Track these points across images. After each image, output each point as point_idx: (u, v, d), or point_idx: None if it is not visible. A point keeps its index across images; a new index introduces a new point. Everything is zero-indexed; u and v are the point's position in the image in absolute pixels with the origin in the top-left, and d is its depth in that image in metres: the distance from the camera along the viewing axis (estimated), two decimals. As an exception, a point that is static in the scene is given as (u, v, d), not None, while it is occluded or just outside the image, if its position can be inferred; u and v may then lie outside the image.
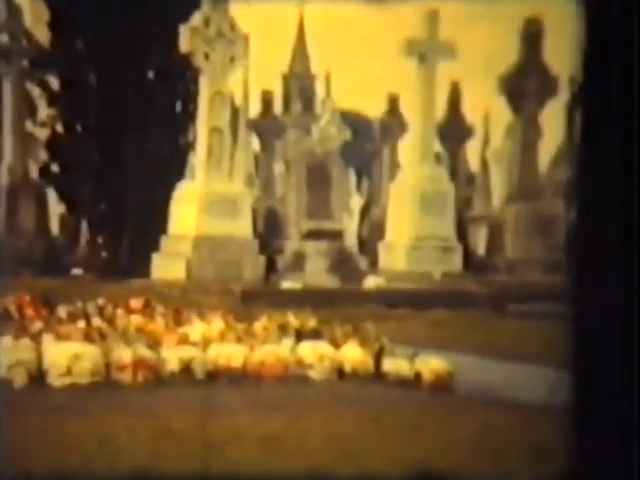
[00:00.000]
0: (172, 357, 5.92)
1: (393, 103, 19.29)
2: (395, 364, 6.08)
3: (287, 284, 11.59)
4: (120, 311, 7.20)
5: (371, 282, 12.26)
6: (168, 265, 12.03)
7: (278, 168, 19.78)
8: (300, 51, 32.66)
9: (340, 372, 6.07)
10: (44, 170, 15.81)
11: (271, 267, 12.49)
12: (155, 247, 12.49)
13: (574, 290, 2.71)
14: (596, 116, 2.68)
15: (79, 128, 15.50)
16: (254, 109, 20.20)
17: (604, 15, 2.67)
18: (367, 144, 20.64)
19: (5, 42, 15.19)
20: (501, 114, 16.03)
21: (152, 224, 13.46)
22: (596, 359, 2.67)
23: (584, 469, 2.68)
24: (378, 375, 6.06)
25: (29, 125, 15.86)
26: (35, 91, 15.88)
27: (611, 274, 2.68)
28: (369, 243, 16.30)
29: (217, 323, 6.64)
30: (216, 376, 5.87)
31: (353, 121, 18.38)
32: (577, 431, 2.68)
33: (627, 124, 2.67)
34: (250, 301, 9.35)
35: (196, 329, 6.51)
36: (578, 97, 2.73)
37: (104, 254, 15.14)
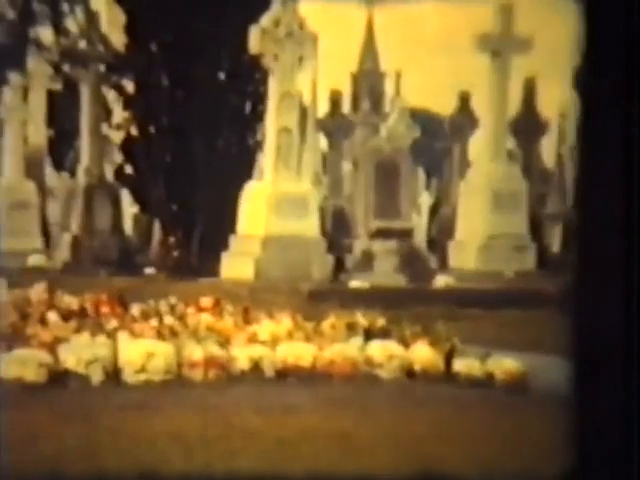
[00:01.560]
0: (242, 355, 5.98)
1: (464, 100, 19.17)
2: (466, 364, 6.06)
3: (355, 283, 11.60)
4: (191, 309, 7.28)
5: (441, 281, 12.23)
6: (237, 264, 12.13)
7: (346, 167, 19.80)
8: (369, 49, 32.63)
9: (410, 372, 6.07)
10: (119, 172, 16.05)
11: (339, 266, 12.51)
12: (224, 246, 12.59)
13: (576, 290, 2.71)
14: (597, 115, 2.67)
15: (152, 130, 15.68)
16: (322, 108, 20.27)
17: (604, 15, 2.66)
18: (437, 142, 20.54)
19: (83, 48, 15.47)
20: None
21: (221, 224, 13.58)
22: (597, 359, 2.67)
23: (584, 469, 2.67)
24: (449, 375, 6.05)
25: (105, 128, 16.12)
26: (111, 95, 16.12)
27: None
28: (439, 242, 16.24)
29: (285, 322, 6.69)
30: (285, 374, 5.92)
31: (423, 119, 18.33)
32: (577, 431, 2.67)
33: (628, 122, 2.66)
34: (318, 300, 9.39)
35: (265, 328, 6.57)
36: (578, 97, 2.72)
37: (175, 253, 15.30)
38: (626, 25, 2.64)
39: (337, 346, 6.10)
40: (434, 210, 19.68)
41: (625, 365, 2.67)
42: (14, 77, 17.23)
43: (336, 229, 15.58)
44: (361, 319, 6.68)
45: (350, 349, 6.07)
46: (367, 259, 12.97)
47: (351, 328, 6.48)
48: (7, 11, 33.41)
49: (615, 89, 2.67)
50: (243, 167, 15.22)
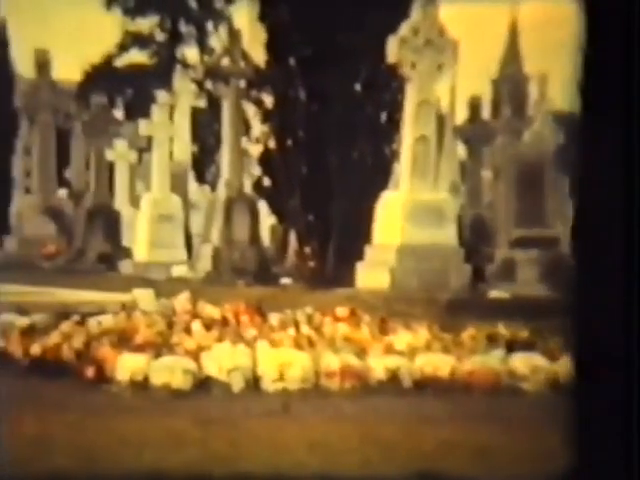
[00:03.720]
0: (379, 365, 5.99)
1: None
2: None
3: (495, 293, 11.45)
4: (327, 319, 7.33)
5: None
6: (373, 274, 12.14)
7: (486, 175, 19.62)
8: (512, 53, 32.20)
9: (556, 385, 5.96)
10: (257, 184, 16.32)
11: (478, 276, 12.38)
12: (360, 256, 12.63)
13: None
14: (597, 116, 2.59)
15: (289, 143, 15.87)
16: (461, 115, 20.10)
17: (604, 15, 2.58)
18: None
19: (226, 65, 15.83)
20: None
21: (357, 234, 13.62)
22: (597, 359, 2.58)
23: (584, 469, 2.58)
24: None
25: (244, 142, 16.43)
26: (250, 110, 16.44)
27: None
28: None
29: (423, 333, 6.67)
30: (423, 385, 5.90)
31: (569, 123, 18.01)
32: (577, 431, 2.59)
33: (628, 123, 2.57)
34: (456, 311, 9.31)
35: (402, 338, 6.57)
36: (578, 97, 2.65)
37: (311, 263, 15.43)
38: (626, 25, 2.57)
39: (477, 357, 6.04)
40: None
41: (625, 368, 2.59)
42: (161, 95, 17.72)
43: (475, 238, 15.44)
44: (503, 330, 6.59)
45: (491, 361, 5.99)
46: (508, 268, 12.79)
47: (492, 339, 6.40)
48: (157, 33, 34.43)
49: (615, 89, 2.60)
50: (379, 177, 15.25)
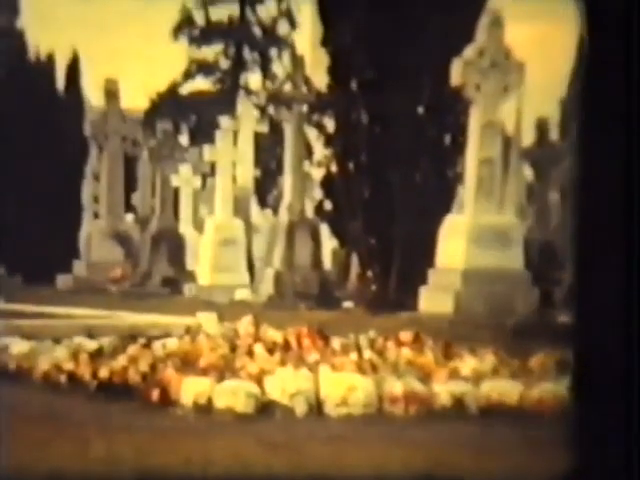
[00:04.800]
0: (443, 391, 5.92)
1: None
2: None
3: (564, 318, 11.28)
4: (390, 344, 7.28)
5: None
6: (436, 298, 12.05)
7: (553, 197, 19.42)
8: (580, 74, 31.95)
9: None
10: (318, 207, 16.34)
11: (546, 300, 12.24)
12: (423, 280, 12.55)
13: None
14: (597, 116, 2.53)
15: (351, 166, 15.89)
16: (528, 137, 19.93)
17: (604, 15, 2.52)
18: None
19: (288, 90, 15.94)
20: None
21: (420, 257, 13.55)
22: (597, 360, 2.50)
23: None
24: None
25: (306, 166, 16.49)
26: (312, 134, 16.51)
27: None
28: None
29: (489, 358, 6.59)
30: (490, 412, 5.82)
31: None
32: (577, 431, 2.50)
33: (628, 124, 2.50)
34: (524, 336, 9.20)
35: (467, 364, 6.49)
36: (579, 98, 2.59)
37: (373, 287, 15.38)
38: (626, 25, 2.52)
39: (546, 385, 5.93)
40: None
41: (625, 380, 2.51)
42: (225, 121, 17.88)
43: (542, 261, 15.27)
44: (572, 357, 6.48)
45: (562, 388, 5.88)
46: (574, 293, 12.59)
47: (561, 366, 6.29)
48: (221, 61, 34.86)
49: (615, 88, 2.54)
50: (442, 200, 15.17)
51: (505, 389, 5.89)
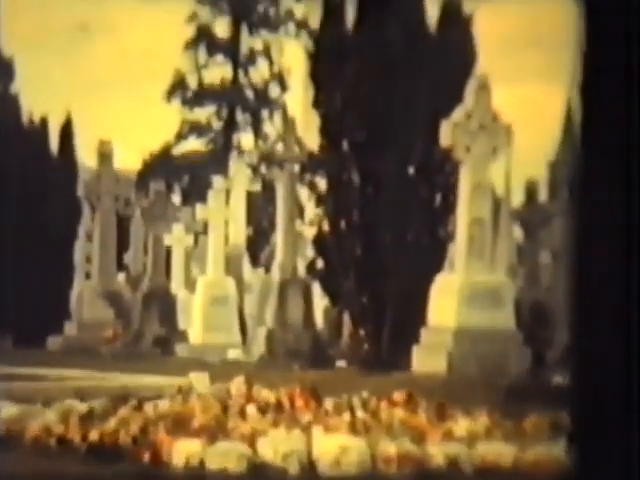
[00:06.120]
0: (437, 452, 5.90)
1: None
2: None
3: (558, 379, 11.23)
4: (383, 404, 7.26)
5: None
6: (429, 358, 12.03)
7: (543, 258, 19.49)
8: (568, 135, 32.22)
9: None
10: (310, 266, 16.37)
11: (539, 361, 12.21)
12: (415, 339, 12.54)
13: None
14: (596, 118, 2.56)
15: (343, 225, 15.96)
16: (517, 198, 20.05)
17: (604, 15, 2.56)
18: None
19: (280, 150, 16.07)
20: None
21: (412, 316, 13.55)
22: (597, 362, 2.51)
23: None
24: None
25: (298, 224, 16.56)
26: (304, 193, 16.60)
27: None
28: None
29: (483, 419, 6.57)
30: (485, 474, 5.79)
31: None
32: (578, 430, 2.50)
33: (628, 125, 2.54)
34: (517, 397, 9.16)
35: (461, 424, 6.47)
36: (578, 98, 2.62)
37: (366, 346, 15.36)
38: (626, 25, 2.56)
39: (541, 447, 5.90)
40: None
41: (625, 444, 2.52)
42: (217, 181, 17.98)
43: (534, 322, 15.28)
44: (567, 418, 6.44)
45: (557, 450, 5.84)
46: (569, 354, 12.56)
47: (556, 428, 6.26)
48: (214, 122, 35.19)
49: (615, 89, 2.58)
50: (433, 259, 15.21)
51: (500, 451, 5.87)
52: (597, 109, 2.66)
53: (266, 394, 7.36)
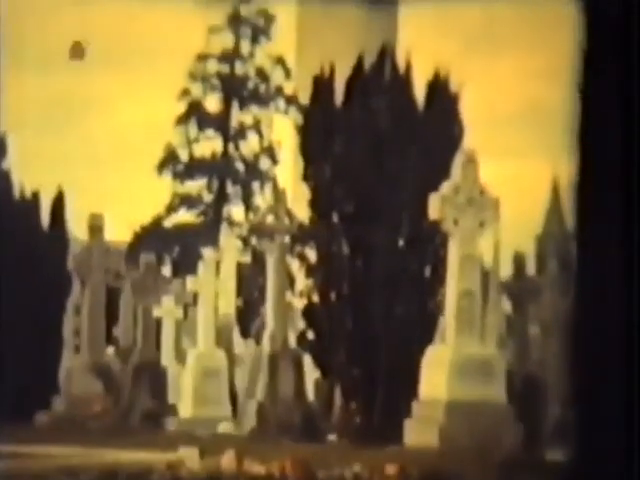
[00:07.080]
0: (429, 526, 5.86)
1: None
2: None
3: (552, 455, 11.13)
4: (376, 478, 7.22)
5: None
6: (421, 431, 11.96)
7: (533, 331, 19.51)
8: (554, 209, 32.39)
9: None
10: (300, 337, 16.35)
11: (532, 435, 12.14)
12: (407, 412, 12.48)
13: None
14: (596, 118, 2.59)
15: (333, 297, 15.98)
16: (506, 270, 20.12)
17: (604, 15, 2.61)
18: None
19: (270, 222, 16.16)
20: None
21: (403, 389, 13.51)
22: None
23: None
24: None
25: (289, 296, 16.57)
26: (294, 264, 16.65)
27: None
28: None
29: (474, 492, 6.52)
30: None
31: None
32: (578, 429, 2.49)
33: (628, 125, 2.57)
34: (511, 472, 9.10)
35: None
36: (578, 98, 2.64)
37: (357, 419, 15.28)
38: (626, 25, 2.60)
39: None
40: None
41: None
42: (208, 252, 18.01)
43: (524, 395, 15.23)
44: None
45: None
46: (563, 429, 12.52)
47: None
48: (204, 194, 35.46)
49: (615, 89, 2.62)
50: (424, 331, 15.21)
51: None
52: (597, 107, 2.67)
53: (257, 468, 7.31)
